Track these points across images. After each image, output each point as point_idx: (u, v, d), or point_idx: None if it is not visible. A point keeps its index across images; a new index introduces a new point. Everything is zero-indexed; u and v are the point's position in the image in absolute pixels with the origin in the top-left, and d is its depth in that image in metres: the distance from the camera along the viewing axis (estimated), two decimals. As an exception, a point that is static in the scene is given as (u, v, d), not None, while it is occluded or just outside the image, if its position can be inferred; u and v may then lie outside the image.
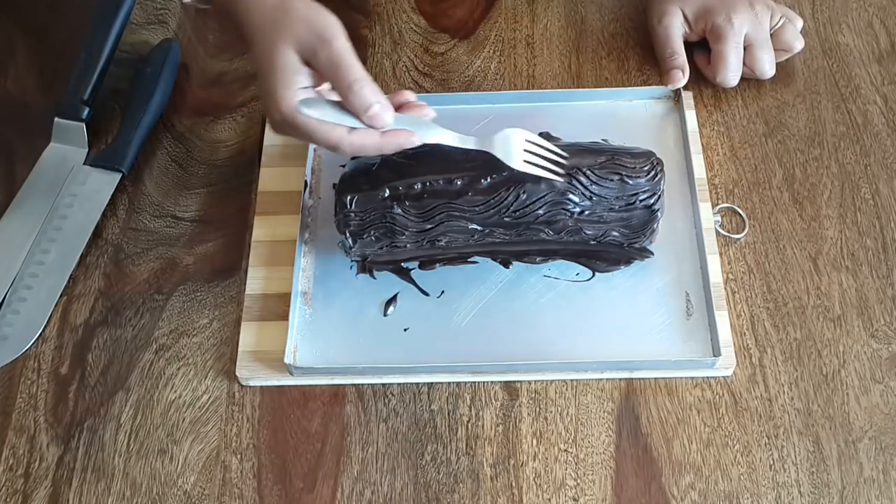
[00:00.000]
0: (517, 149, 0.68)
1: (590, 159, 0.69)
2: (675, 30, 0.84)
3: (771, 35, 0.83)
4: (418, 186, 0.69)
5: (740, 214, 0.77)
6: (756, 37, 0.82)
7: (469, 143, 0.68)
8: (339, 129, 0.65)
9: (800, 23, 0.85)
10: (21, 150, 0.83)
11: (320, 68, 0.65)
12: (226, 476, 0.68)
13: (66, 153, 0.82)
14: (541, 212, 0.70)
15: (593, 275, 0.74)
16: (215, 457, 0.68)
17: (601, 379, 0.70)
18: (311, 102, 0.65)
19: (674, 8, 0.84)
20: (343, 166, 0.73)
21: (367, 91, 0.64)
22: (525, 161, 0.68)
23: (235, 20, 0.69)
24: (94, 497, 0.67)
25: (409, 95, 0.69)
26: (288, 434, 0.69)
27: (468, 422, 0.69)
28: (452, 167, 0.69)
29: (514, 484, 0.67)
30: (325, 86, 0.67)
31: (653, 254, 0.74)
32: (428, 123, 0.68)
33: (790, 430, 0.68)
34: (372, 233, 0.71)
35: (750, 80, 0.84)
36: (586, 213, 0.70)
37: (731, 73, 0.82)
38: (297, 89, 0.65)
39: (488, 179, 0.69)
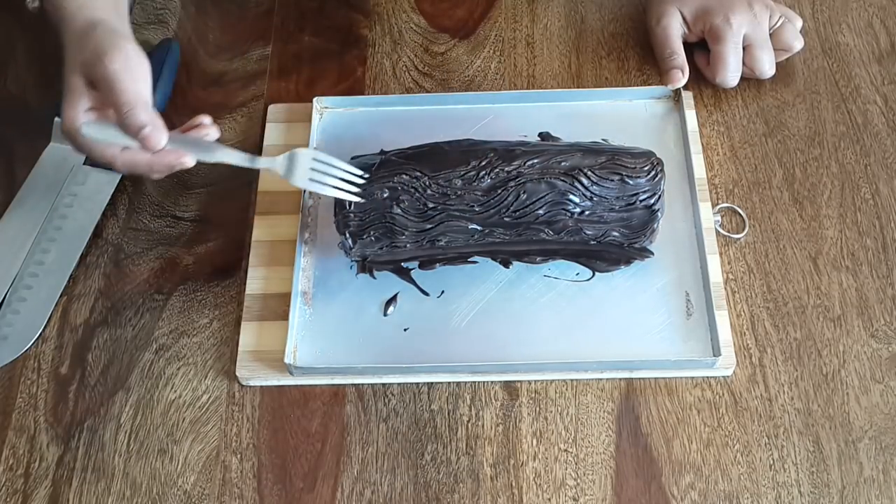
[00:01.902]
0: (301, 167, 0.69)
1: (590, 159, 0.69)
2: (674, 30, 0.84)
3: (770, 35, 0.83)
4: (418, 186, 0.69)
5: (740, 214, 0.77)
6: (755, 37, 0.82)
7: (257, 163, 0.69)
8: (112, 149, 0.67)
9: (799, 22, 0.85)
10: (21, 150, 0.83)
11: (100, 91, 0.67)
12: (226, 476, 0.68)
13: (66, 153, 0.81)
14: (541, 212, 0.70)
15: (593, 275, 0.74)
16: (215, 457, 0.68)
17: (601, 379, 0.70)
18: (92, 125, 0.67)
19: (672, 9, 0.84)
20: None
21: (138, 114, 0.65)
22: (311, 179, 0.69)
23: (57, 33, 0.70)
24: (94, 497, 0.67)
25: (203, 119, 0.70)
26: (288, 434, 0.69)
27: (468, 422, 0.69)
28: (452, 167, 0.69)
29: (514, 484, 0.67)
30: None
31: (653, 254, 0.74)
32: (211, 144, 0.69)
33: (790, 430, 0.68)
34: (372, 233, 0.71)
35: (750, 79, 0.84)
36: (586, 213, 0.70)
37: (730, 74, 0.82)
38: (80, 111, 0.67)
39: (488, 179, 0.69)
